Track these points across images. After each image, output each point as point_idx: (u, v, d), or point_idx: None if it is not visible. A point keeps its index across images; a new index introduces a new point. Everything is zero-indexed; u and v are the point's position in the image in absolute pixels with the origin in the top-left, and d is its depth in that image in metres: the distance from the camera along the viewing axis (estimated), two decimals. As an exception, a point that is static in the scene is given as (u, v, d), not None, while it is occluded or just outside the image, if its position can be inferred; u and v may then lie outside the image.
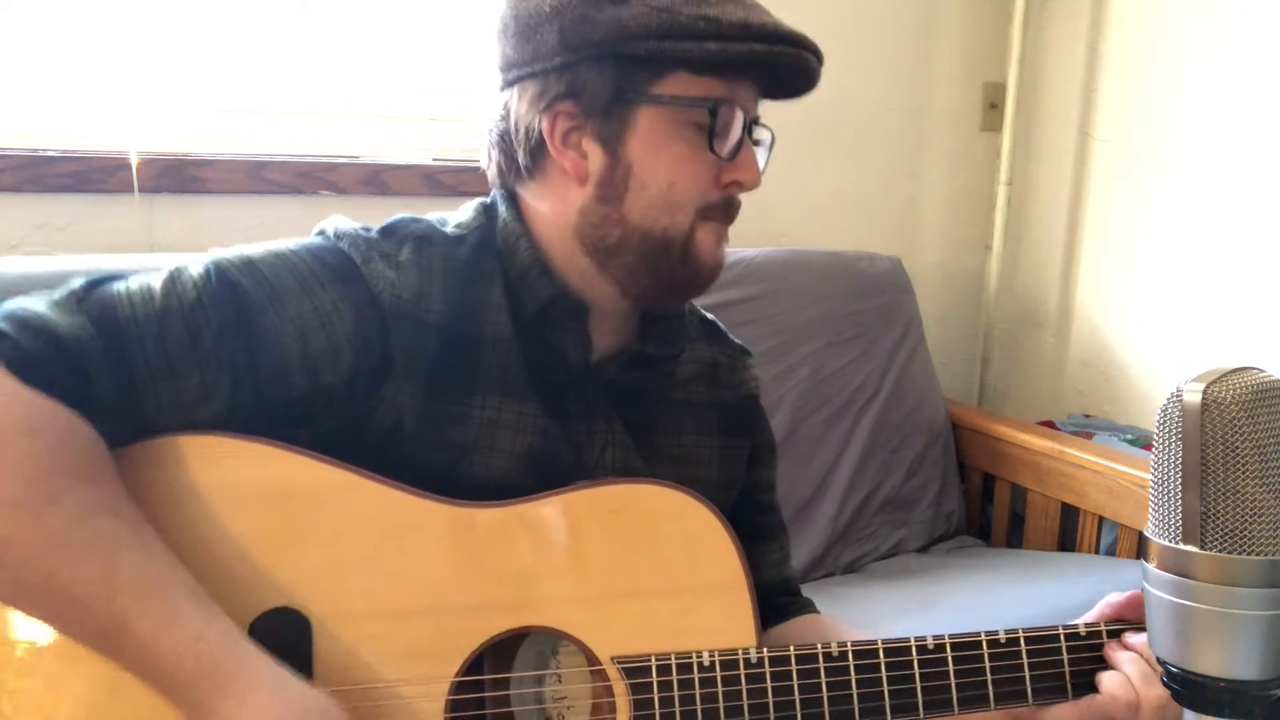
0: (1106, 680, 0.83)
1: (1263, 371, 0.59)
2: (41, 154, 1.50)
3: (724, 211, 0.87)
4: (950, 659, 0.83)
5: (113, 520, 0.71)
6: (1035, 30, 2.28)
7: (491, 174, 0.91)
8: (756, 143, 0.88)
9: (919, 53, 2.24)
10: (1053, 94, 2.27)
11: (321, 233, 0.87)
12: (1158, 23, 2.06)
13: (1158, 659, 0.62)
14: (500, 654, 0.85)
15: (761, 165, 0.88)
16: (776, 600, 1.02)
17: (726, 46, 0.79)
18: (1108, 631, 0.85)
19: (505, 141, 0.87)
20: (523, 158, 0.86)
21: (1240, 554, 0.57)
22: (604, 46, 0.80)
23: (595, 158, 0.84)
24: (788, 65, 0.84)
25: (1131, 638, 0.84)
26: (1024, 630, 0.85)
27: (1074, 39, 2.21)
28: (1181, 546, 0.59)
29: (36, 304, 0.75)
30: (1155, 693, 0.80)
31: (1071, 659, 0.85)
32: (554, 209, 0.87)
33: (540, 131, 0.84)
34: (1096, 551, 1.84)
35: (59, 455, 0.70)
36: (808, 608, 1.05)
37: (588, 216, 0.85)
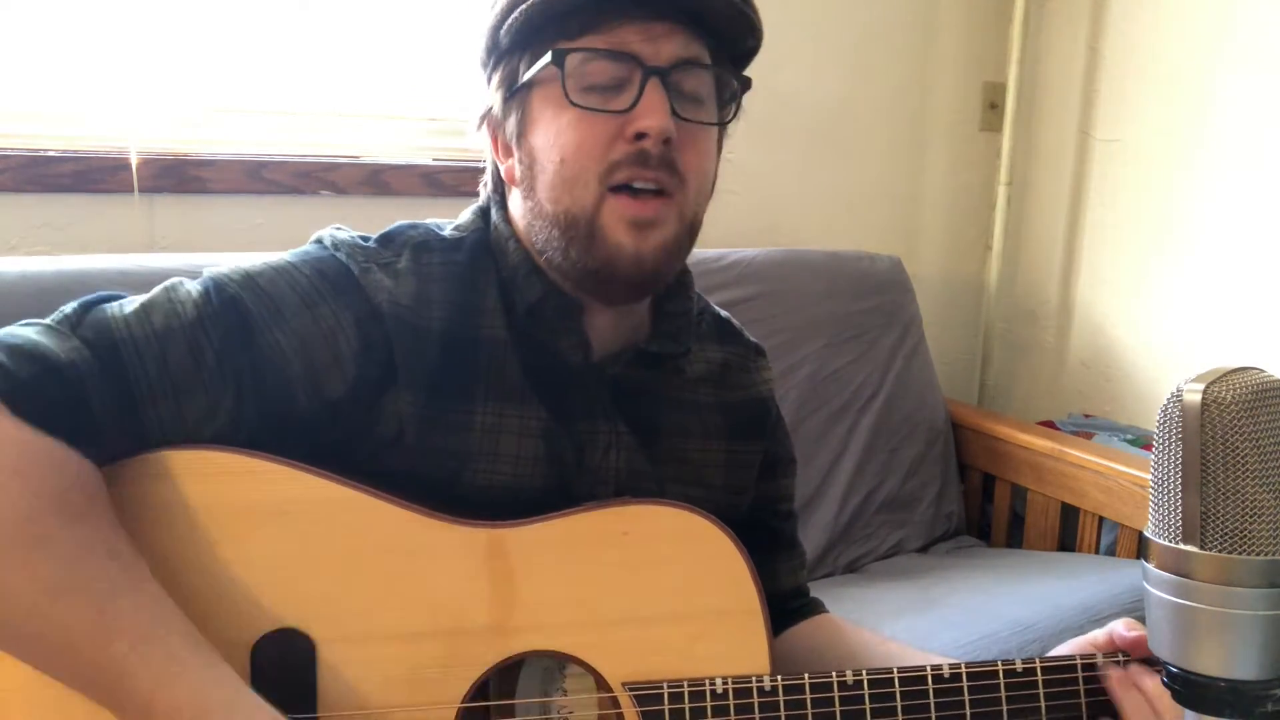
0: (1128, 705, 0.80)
1: (1263, 371, 0.59)
2: (41, 154, 1.50)
3: (635, 164, 0.79)
4: (966, 688, 0.81)
5: (107, 562, 0.69)
6: (1035, 30, 2.28)
7: (483, 193, 0.93)
8: (689, 94, 0.82)
9: (919, 53, 2.24)
10: (1053, 94, 2.27)
11: (318, 241, 0.86)
12: (1158, 23, 2.06)
13: (1158, 659, 0.62)
14: (505, 676, 0.84)
15: (727, 115, 0.85)
16: (788, 605, 1.02)
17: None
18: (1122, 663, 0.82)
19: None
20: (490, 177, 0.91)
21: (1240, 554, 0.57)
22: (489, 53, 0.85)
23: (516, 156, 0.85)
24: None
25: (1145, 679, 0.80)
26: (1041, 660, 0.82)
27: (1074, 39, 2.21)
28: (1181, 546, 0.59)
29: (29, 330, 0.73)
30: None
31: (1089, 689, 0.83)
32: (516, 213, 0.88)
33: (491, 148, 0.89)
34: (1096, 551, 1.84)
35: (50, 496, 0.68)
36: (818, 607, 1.04)
37: (525, 217, 0.86)
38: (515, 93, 0.84)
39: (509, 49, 0.83)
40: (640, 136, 0.78)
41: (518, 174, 0.85)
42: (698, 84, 0.83)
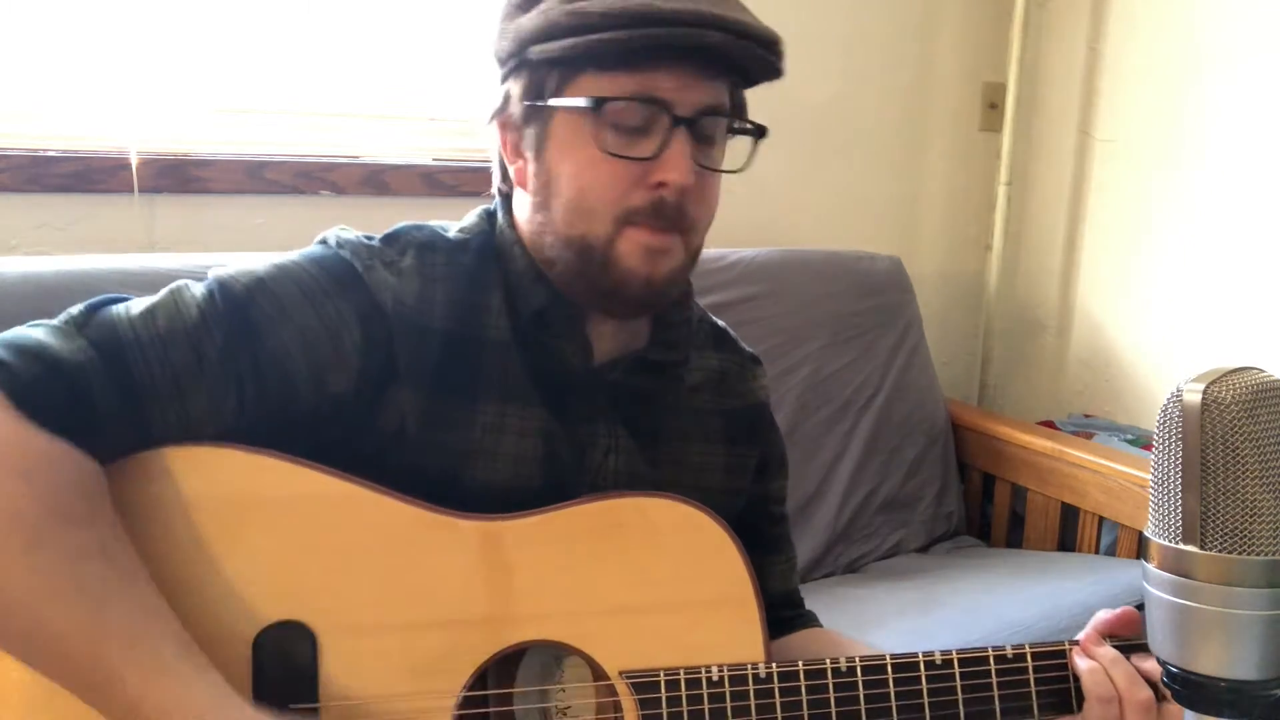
0: (1084, 670, 0.83)
1: (1263, 371, 0.59)
2: (41, 154, 1.50)
3: (651, 216, 0.81)
4: (958, 674, 0.83)
5: (102, 565, 0.69)
6: (1035, 30, 2.28)
7: (495, 181, 0.92)
8: (708, 138, 0.83)
9: (919, 53, 2.24)
10: (1053, 94, 2.27)
11: (323, 241, 0.87)
12: (1158, 23, 2.06)
13: (1158, 659, 0.62)
14: (504, 666, 0.84)
15: (743, 160, 0.86)
16: (780, 613, 1.02)
17: (589, 39, 0.77)
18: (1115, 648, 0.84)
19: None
20: (497, 169, 0.90)
21: (1240, 554, 0.57)
22: (514, 57, 0.83)
23: (530, 165, 0.85)
24: (707, 48, 0.78)
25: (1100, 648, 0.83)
26: (1030, 645, 0.84)
27: (1074, 39, 2.21)
28: (1181, 546, 0.59)
29: (35, 331, 0.74)
30: (1143, 694, 0.80)
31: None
32: (522, 216, 0.88)
33: (499, 142, 0.87)
34: (1096, 551, 1.84)
35: (51, 499, 0.69)
36: (811, 621, 1.05)
37: (532, 224, 0.86)
38: (539, 107, 0.83)
39: (538, 64, 0.82)
40: (660, 184, 0.81)
41: (530, 184, 0.85)
42: (715, 127, 0.84)
